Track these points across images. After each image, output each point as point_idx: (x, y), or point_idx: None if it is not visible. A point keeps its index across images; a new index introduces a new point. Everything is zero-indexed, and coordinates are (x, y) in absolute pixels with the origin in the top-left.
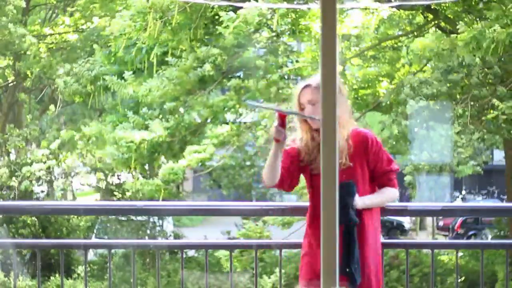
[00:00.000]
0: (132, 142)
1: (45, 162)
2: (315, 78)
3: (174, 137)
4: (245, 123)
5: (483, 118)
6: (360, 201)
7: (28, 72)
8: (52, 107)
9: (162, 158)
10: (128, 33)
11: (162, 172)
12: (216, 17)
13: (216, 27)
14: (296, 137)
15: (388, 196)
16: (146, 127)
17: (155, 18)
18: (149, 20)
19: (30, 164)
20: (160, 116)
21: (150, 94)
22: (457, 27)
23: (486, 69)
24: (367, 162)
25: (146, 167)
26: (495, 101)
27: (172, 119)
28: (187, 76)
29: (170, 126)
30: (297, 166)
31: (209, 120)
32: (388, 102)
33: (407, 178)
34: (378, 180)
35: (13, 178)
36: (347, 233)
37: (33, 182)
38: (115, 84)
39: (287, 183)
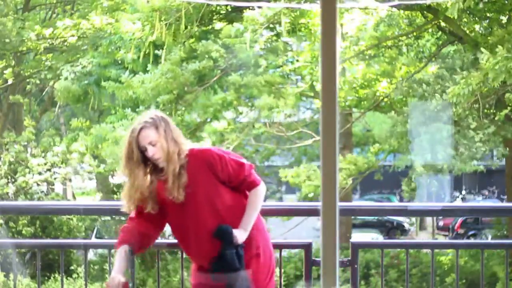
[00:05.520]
0: None
1: (46, 171)
2: (146, 117)
3: None
4: (241, 122)
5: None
6: (241, 234)
7: (28, 73)
8: (51, 107)
9: None
10: (136, 38)
11: None
12: (215, 16)
13: (214, 23)
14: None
15: (258, 199)
16: None
17: (161, 20)
18: (155, 23)
19: (29, 172)
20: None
21: (143, 86)
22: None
23: None
24: (218, 179)
25: None
26: (509, 95)
27: (167, 111)
28: (178, 69)
29: None
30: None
31: (208, 119)
32: (388, 102)
33: (409, 178)
34: (239, 188)
35: (11, 185)
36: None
37: (32, 188)
38: (114, 87)
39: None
